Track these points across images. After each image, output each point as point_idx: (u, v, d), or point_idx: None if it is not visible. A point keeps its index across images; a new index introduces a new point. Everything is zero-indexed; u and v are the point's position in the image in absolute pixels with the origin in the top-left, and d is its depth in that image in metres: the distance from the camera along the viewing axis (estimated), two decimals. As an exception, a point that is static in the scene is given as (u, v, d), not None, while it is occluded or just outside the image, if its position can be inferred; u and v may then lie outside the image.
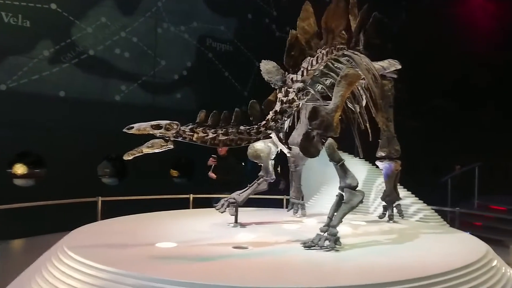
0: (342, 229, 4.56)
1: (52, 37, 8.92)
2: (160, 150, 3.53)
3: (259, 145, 4.80)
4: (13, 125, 8.19)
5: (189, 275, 2.91)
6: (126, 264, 3.11)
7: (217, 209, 4.75)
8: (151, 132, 3.47)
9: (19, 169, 9.01)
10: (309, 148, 4.09)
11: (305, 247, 3.77)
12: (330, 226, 3.83)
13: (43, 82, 8.76)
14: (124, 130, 3.41)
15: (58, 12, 8.95)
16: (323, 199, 6.97)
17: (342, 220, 3.90)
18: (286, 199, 8.33)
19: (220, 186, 7.76)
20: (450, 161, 12.50)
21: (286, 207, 7.62)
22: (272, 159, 4.92)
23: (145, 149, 3.47)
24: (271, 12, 12.50)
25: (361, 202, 3.96)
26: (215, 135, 3.69)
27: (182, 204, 7.64)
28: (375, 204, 6.09)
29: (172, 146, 3.56)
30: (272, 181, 4.96)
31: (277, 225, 4.92)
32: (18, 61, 8.50)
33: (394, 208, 5.49)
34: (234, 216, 4.79)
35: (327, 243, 3.74)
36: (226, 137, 3.74)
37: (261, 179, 4.93)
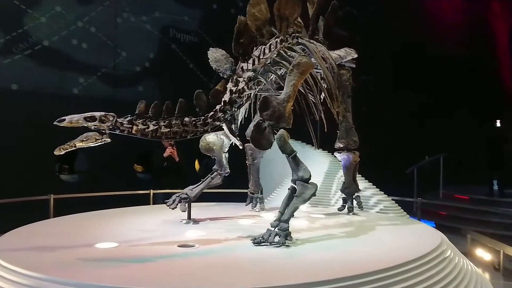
0: (299, 223, 4.45)
1: (2, 27, 8.42)
2: (95, 144, 3.29)
3: (212, 138, 4.60)
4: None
5: (124, 279, 2.70)
6: (56, 268, 2.87)
7: (168, 206, 4.54)
8: (84, 125, 3.21)
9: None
10: (260, 140, 3.93)
11: (254, 243, 3.60)
12: (281, 221, 3.68)
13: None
14: (55, 123, 3.15)
15: (8, 0, 8.45)
16: (285, 193, 6.82)
17: (294, 214, 3.75)
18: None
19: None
20: (419, 153, 12.61)
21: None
22: (226, 152, 4.72)
23: (78, 143, 3.22)
24: (237, 3, 12.24)
25: (313, 195, 3.81)
26: (156, 127, 3.46)
27: (144, 201, 7.38)
28: (336, 196, 5.97)
29: (109, 140, 3.32)
30: (226, 175, 4.77)
31: (232, 221, 4.75)
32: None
33: (354, 200, 5.40)
34: (186, 213, 4.58)
35: (277, 238, 3.58)
36: (169, 129, 3.52)
37: (215, 173, 4.73)
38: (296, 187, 3.81)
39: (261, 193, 5.50)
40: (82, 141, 3.23)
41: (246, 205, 5.51)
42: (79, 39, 9.47)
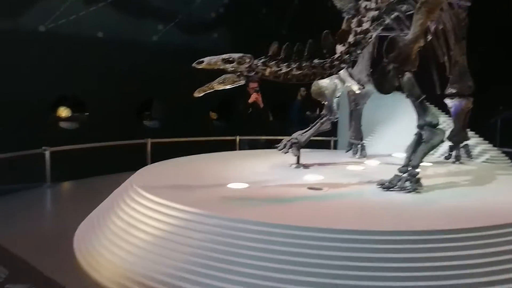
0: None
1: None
2: (232, 86, 3.29)
3: (325, 82, 4.49)
4: (52, 68, 8.04)
5: (272, 217, 2.77)
6: (205, 204, 3.00)
7: (279, 150, 4.56)
8: (221, 67, 3.20)
9: (63, 112, 9.00)
10: (383, 84, 3.78)
11: (383, 188, 3.57)
12: (410, 166, 3.59)
13: (80, 22, 8.47)
14: (194, 64, 3.16)
15: None
16: (375, 142, 6.69)
17: (423, 160, 3.65)
18: (334, 140, 8.12)
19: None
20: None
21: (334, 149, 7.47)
22: (338, 97, 4.61)
23: (216, 85, 3.23)
24: None
25: (442, 141, 3.68)
26: (288, 69, 3.40)
27: (224, 147, 7.51)
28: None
29: (243, 82, 3.31)
30: (335, 120, 4.69)
31: (341, 167, 4.72)
32: (55, 0, 8.19)
33: (461, 149, 5.18)
34: (296, 157, 4.60)
35: (407, 184, 3.52)
36: (300, 72, 3.44)
37: (325, 118, 4.67)
38: (423, 132, 3.67)
39: (362, 140, 5.39)
40: (220, 83, 3.23)
41: (346, 152, 5.46)
42: (158, -15, 9.42)
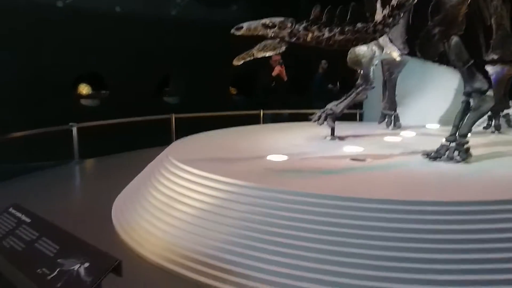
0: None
1: None
2: (273, 53, 3.14)
3: (362, 50, 4.29)
4: (70, 43, 7.92)
5: (320, 188, 2.66)
6: (248, 176, 2.90)
7: (314, 121, 4.42)
8: (261, 33, 3.04)
9: (84, 89, 8.95)
10: (428, 49, 3.60)
11: (430, 158, 3.42)
12: (459, 135, 3.43)
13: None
14: (232, 31, 3.00)
15: None
16: (405, 114, 6.46)
17: (472, 129, 3.48)
18: (360, 113, 7.92)
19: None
20: None
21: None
22: (375, 65, 4.42)
23: (256, 52, 3.08)
24: None
25: (490, 108, 3.50)
26: (331, 34, 3.21)
27: (248, 121, 7.37)
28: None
29: (284, 48, 3.14)
30: (372, 89, 4.51)
31: (377, 138, 4.56)
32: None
33: (502, 118, 4.97)
34: (331, 129, 4.45)
35: (456, 154, 3.36)
36: (342, 37, 3.25)
37: (360, 88, 4.48)
38: (471, 100, 3.48)
39: (395, 111, 5.20)
40: (260, 50, 3.08)
41: (379, 123, 5.28)
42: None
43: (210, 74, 8.95)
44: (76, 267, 1.95)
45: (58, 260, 2.11)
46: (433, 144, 3.61)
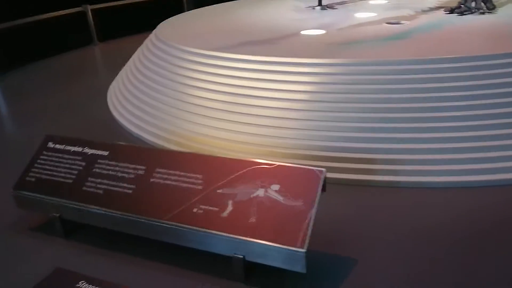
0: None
1: None
2: None
3: None
4: None
5: (416, 53, 2.38)
6: (299, 53, 2.48)
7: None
8: None
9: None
10: None
11: (458, 13, 3.30)
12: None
13: None
14: None
15: None
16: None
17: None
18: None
19: None
20: None
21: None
22: None
23: None
24: None
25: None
26: None
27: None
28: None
29: None
30: None
31: (363, 4, 4.26)
32: None
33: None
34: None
35: (483, 5, 3.30)
36: None
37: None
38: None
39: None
40: None
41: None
42: None
43: None
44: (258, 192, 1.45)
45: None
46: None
